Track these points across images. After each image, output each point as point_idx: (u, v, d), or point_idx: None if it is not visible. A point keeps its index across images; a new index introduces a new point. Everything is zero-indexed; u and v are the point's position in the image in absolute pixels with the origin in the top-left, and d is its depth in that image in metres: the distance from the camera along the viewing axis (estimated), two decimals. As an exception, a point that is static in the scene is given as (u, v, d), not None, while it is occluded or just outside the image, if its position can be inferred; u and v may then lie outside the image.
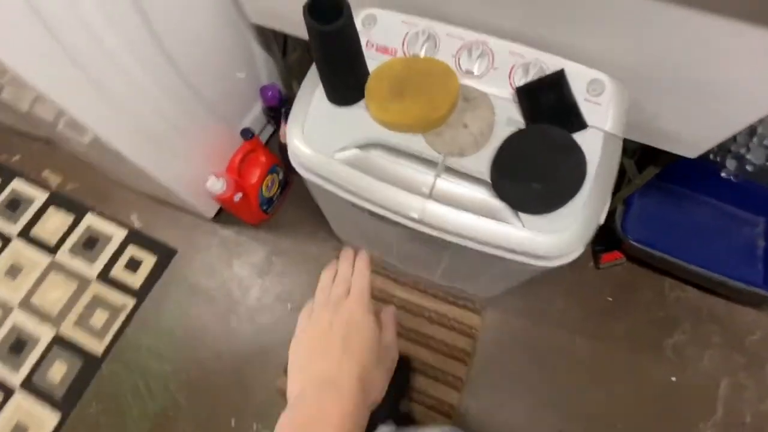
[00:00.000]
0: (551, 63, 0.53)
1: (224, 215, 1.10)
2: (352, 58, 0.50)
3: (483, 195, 0.51)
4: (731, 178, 0.61)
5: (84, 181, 1.18)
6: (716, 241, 0.93)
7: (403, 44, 0.57)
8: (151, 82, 0.70)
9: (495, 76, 0.54)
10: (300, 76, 1.18)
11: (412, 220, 0.53)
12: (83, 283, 1.06)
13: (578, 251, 0.51)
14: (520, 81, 0.53)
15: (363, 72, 0.54)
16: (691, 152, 0.61)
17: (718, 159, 0.63)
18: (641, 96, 0.55)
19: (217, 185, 0.90)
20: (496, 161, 0.50)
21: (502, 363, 0.94)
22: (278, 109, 1.04)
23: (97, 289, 1.05)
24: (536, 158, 0.49)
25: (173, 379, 0.96)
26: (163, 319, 1.02)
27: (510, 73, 0.54)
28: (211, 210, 1.06)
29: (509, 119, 0.53)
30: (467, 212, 0.51)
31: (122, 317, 1.01)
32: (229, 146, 0.96)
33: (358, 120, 0.55)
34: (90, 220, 1.13)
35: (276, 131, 1.18)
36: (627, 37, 0.50)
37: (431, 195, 0.52)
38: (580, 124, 0.51)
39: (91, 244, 1.10)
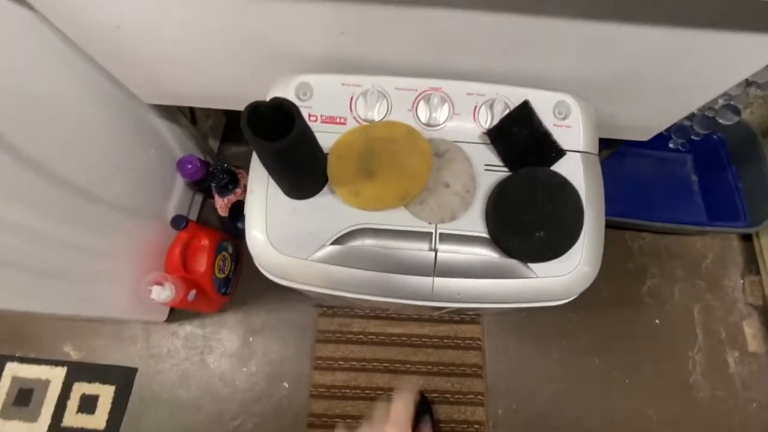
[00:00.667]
0: (512, 94, 0.50)
1: (178, 312, 0.96)
2: (311, 158, 0.43)
3: (488, 253, 0.47)
4: (679, 148, 0.65)
5: (-17, 325, 0.95)
6: (659, 188, 1.01)
7: (351, 109, 0.50)
8: (40, 219, 0.56)
9: (460, 122, 0.50)
10: (216, 133, 1.05)
11: (423, 300, 0.48)
12: (31, 449, 0.87)
13: (592, 277, 0.50)
14: (487, 121, 0.50)
15: (321, 161, 0.46)
16: (645, 137, 0.63)
17: (664, 132, 0.66)
18: (599, 102, 0.54)
19: (163, 294, 0.76)
20: (491, 216, 0.47)
21: (512, 361, 0.96)
22: (204, 180, 0.90)
23: (53, 450, 0.87)
24: (531, 205, 0.46)
25: None
26: (148, 451, 0.88)
27: (474, 114, 0.50)
28: (162, 314, 0.92)
29: (487, 165, 0.50)
30: (478, 279, 0.47)
31: (97, 470, 0.86)
32: (162, 242, 0.82)
33: (327, 209, 0.48)
34: (13, 369, 0.92)
35: (206, 199, 1.04)
36: (579, 55, 0.48)
37: (435, 271, 0.47)
38: (558, 153, 0.49)
39: (25, 398, 0.90)
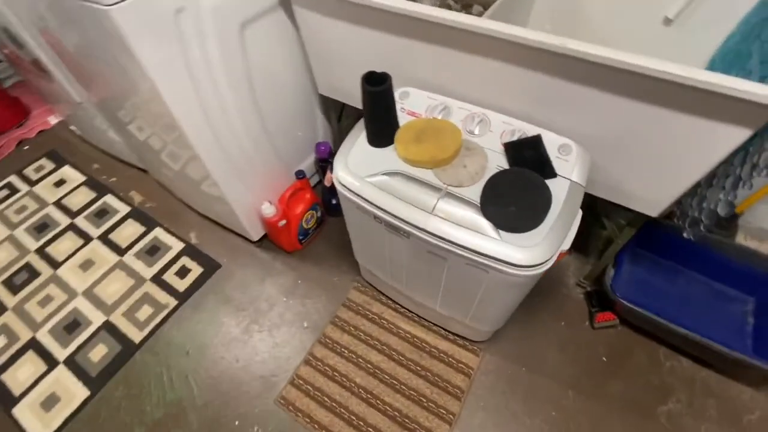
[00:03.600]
0: (531, 130, 0.73)
1: (266, 241, 1.29)
2: (389, 113, 0.72)
3: (473, 215, 0.67)
4: (691, 238, 0.73)
5: (160, 202, 1.44)
6: (705, 313, 1.00)
7: (425, 111, 0.79)
8: (241, 126, 0.97)
9: (490, 137, 0.75)
10: None
11: (419, 229, 0.69)
12: (139, 281, 1.24)
13: (544, 263, 0.64)
14: (507, 140, 0.73)
15: (395, 124, 0.76)
16: (652, 211, 0.76)
17: (680, 222, 0.76)
18: (605, 162, 0.72)
19: (269, 210, 1.11)
20: (484, 191, 0.67)
21: (494, 405, 0.98)
22: (327, 161, 1.28)
23: (149, 287, 1.23)
24: (514, 191, 0.66)
25: (193, 374, 1.07)
26: (196, 321, 1.16)
27: (501, 135, 0.74)
28: (257, 234, 1.26)
29: (498, 165, 0.72)
30: (460, 227, 0.67)
31: (163, 314, 1.17)
32: (284, 182, 1.19)
33: (387, 157, 0.75)
34: (157, 232, 1.36)
35: (319, 181, 1.42)
36: (588, 117, 0.70)
37: (434, 211, 0.69)
38: (551, 173, 0.68)
39: (153, 251, 1.31)
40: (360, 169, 0.76)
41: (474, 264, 0.68)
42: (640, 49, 0.91)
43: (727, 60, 0.73)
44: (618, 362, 1.03)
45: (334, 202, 1.31)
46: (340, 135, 1.29)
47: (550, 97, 0.70)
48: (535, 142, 0.71)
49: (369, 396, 1.01)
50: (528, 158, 0.70)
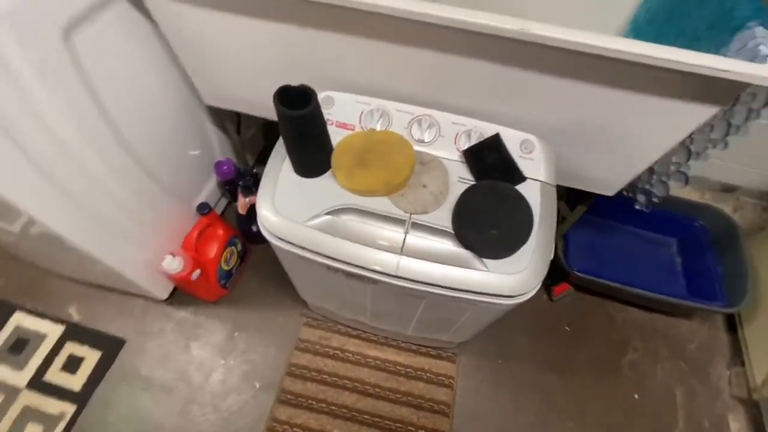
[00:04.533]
0: (488, 129, 0.62)
1: (178, 296, 1.04)
2: (320, 137, 0.55)
3: (449, 245, 0.56)
4: (644, 209, 0.73)
5: (9, 276, 1.06)
6: (642, 263, 1.07)
7: (360, 120, 0.64)
8: (101, 164, 0.70)
9: (443, 143, 0.62)
10: (254, 150, 1.22)
11: (389, 276, 0.56)
12: (11, 393, 0.91)
13: (538, 285, 0.57)
14: (465, 145, 0.62)
15: (329, 147, 0.59)
16: (609, 191, 0.73)
17: (631, 195, 0.76)
18: (564, 150, 0.66)
19: (173, 264, 0.87)
20: (456, 214, 0.56)
21: (483, 411, 0.95)
22: (234, 183, 1.05)
23: (29, 398, 0.91)
24: (490, 209, 0.55)
25: (125, 495, 0.83)
26: (112, 423, 0.90)
27: (455, 139, 0.62)
28: (164, 291, 1.00)
29: (461, 177, 0.60)
30: (438, 263, 0.55)
31: (60, 427, 0.88)
32: (184, 222, 0.94)
33: (326, 189, 0.59)
34: (18, 319, 1.00)
35: (230, 203, 1.18)
36: (545, 107, 0.61)
37: (403, 251, 0.56)
38: (520, 177, 0.60)
39: (19, 347, 0.97)
40: (294, 210, 0.58)
41: (458, 300, 0.58)
42: (549, 11, 0.86)
43: (658, 20, 0.70)
44: (579, 328, 1.06)
45: (254, 229, 1.09)
46: (243, 148, 1.05)
47: (504, 89, 0.60)
48: (496, 144, 0.61)
49: (352, 445, 0.89)
50: (491, 164, 0.60)
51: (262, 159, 1.25)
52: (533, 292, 0.57)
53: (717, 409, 0.96)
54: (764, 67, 0.44)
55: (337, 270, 0.60)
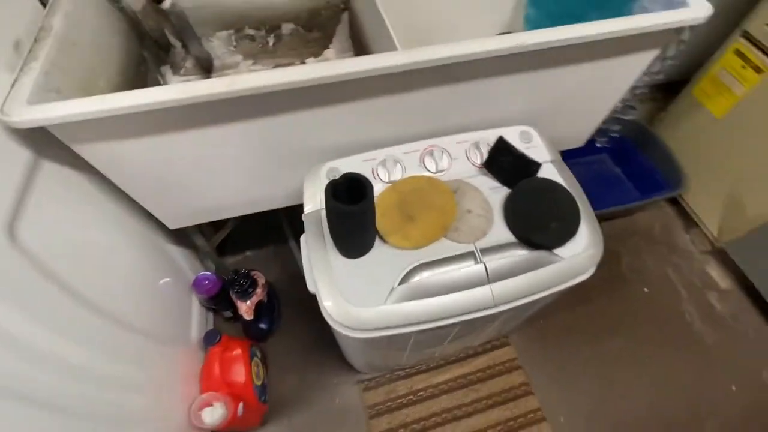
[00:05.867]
0: (489, 135, 0.65)
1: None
2: (371, 222, 0.52)
3: (523, 253, 0.58)
4: (605, 145, 0.85)
5: None
6: (595, 185, 1.22)
7: (374, 177, 0.61)
8: (84, 351, 0.56)
9: (458, 165, 0.64)
10: (235, 243, 1.09)
11: (486, 309, 0.56)
12: None
13: (602, 245, 0.62)
14: (477, 158, 0.64)
15: (374, 222, 0.56)
16: (581, 143, 0.83)
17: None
18: (546, 125, 0.72)
19: (216, 414, 0.74)
20: (512, 223, 0.58)
21: (551, 370, 1.01)
22: (220, 293, 0.92)
23: None
24: (540, 205, 0.59)
25: None
26: None
27: (467, 155, 0.64)
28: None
29: (491, 188, 0.63)
30: (523, 274, 0.57)
31: None
32: (190, 365, 0.81)
33: (384, 260, 0.56)
34: None
35: (216, 313, 1.04)
36: (525, 99, 0.66)
37: (489, 279, 0.56)
38: (537, 166, 0.64)
39: None
40: (366, 295, 0.54)
41: (546, 297, 0.61)
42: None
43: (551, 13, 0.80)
44: (580, 259, 1.19)
45: (263, 326, 0.99)
46: (215, 254, 0.93)
47: (488, 97, 0.63)
48: (504, 146, 0.64)
49: (473, 472, 0.88)
50: (509, 166, 0.63)
51: (223, 252, 1.13)
52: (601, 253, 0.62)
53: (697, 268, 1.18)
54: (693, 9, 0.55)
55: (429, 330, 0.58)
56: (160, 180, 0.61)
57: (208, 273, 0.90)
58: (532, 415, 0.95)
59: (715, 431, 0.95)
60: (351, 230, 0.51)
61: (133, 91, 0.44)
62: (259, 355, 0.94)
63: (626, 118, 0.80)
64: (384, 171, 0.61)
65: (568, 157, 0.66)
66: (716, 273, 1.16)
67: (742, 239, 1.06)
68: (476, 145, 0.64)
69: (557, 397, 0.98)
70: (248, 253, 1.17)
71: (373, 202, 0.47)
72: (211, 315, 1.03)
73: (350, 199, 0.46)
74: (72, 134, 0.48)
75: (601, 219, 1.19)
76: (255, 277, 0.93)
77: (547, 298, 0.62)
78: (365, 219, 0.49)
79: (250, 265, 1.06)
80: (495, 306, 0.56)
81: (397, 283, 0.55)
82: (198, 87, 0.44)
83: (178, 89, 0.44)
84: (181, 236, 0.86)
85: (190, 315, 0.90)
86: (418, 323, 0.55)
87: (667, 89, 1.22)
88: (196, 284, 0.89)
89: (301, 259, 0.60)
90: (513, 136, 0.66)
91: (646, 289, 1.14)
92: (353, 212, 0.46)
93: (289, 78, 0.46)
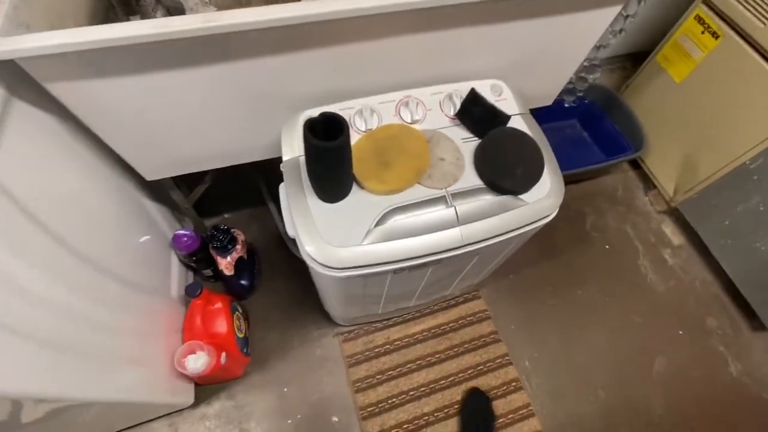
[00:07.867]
0: (461, 88, 0.67)
1: (200, 392, 0.92)
2: (348, 162, 0.54)
3: (490, 198, 0.62)
4: (572, 104, 0.89)
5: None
6: (564, 148, 1.29)
7: (352, 126, 0.63)
8: (64, 288, 0.57)
9: (433, 115, 0.66)
10: (213, 205, 1.09)
11: (456, 249, 0.60)
12: None
13: (563, 191, 0.66)
14: (450, 109, 0.67)
15: (351, 166, 0.58)
16: (549, 101, 0.87)
17: (559, 97, 0.91)
18: (516, 81, 0.75)
19: (200, 361, 0.77)
20: (481, 170, 0.62)
21: (521, 318, 1.09)
22: (199, 250, 0.94)
23: None
24: (507, 152, 0.62)
25: None
26: None
27: (440, 107, 0.67)
28: (189, 395, 0.89)
29: (463, 138, 0.66)
30: (490, 217, 0.61)
31: None
32: (172, 317, 0.83)
33: (361, 204, 0.59)
34: None
35: (196, 273, 1.05)
36: (495, 52, 0.69)
37: (459, 222, 0.60)
38: (506, 117, 0.67)
39: None
40: (344, 237, 0.57)
41: (510, 240, 0.66)
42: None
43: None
44: (548, 219, 1.25)
45: (243, 282, 1.01)
46: (194, 210, 0.93)
47: (460, 48, 0.65)
48: (475, 99, 0.66)
49: (445, 410, 0.95)
50: (480, 117, 0.66)
51: (202, 211, 1.13)
52: (561, 198, 0.67)
53: (654, 226, 1.27)
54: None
55: (404, 269, 0.62)
56: (135, 126, 0.60)
57: (187, 229, 0.91)
58: (500, 360, 1.02)
59: (663, 368, 1.06)
60: (329, 168, 0.53)
61: (105, 25, 0.44)
62: (240, 310, 0.96)
63: (591, 76, 0.84)
64: (361, 120, 0.63)
65: (541, 121, 0.70)
66: (670, 230, 1.25)
67: (694, 199, 1.15)
68: (450, 97, 0.67)
69: (523, 343, 1.06)
70: (226, 215, 1.18)
71: (348, 139, 0.49)
72: (191, 274, 1.04)
73: (327, 139, 0.48)
74: (43, 71, 0.47)
75: (569, 181, 1.26)
76: (234, 234, 0.94)
77: (512, 241, 0.67)
78: (342, 157, 0.52)
79: (228, 225, 1.06)
80: (463, 246, 0.60)
81: (373, 225, 0.58)
82: (173, 23, 0.44)
83: (151, 24, 0.44)
84: (159, 192, 0.86)
85: (170, 272, 0.91)
86: (393, 262, 0.59)
87: (636, 59, 1.27)
88: (176, 240, 0.89)
89: (279, 219, 0.62)
90: (484, 88, 0.68)
91: (607, 246, 1.22)
92: (331, 147, 0.48)
93: (266, 16, 0.47)
